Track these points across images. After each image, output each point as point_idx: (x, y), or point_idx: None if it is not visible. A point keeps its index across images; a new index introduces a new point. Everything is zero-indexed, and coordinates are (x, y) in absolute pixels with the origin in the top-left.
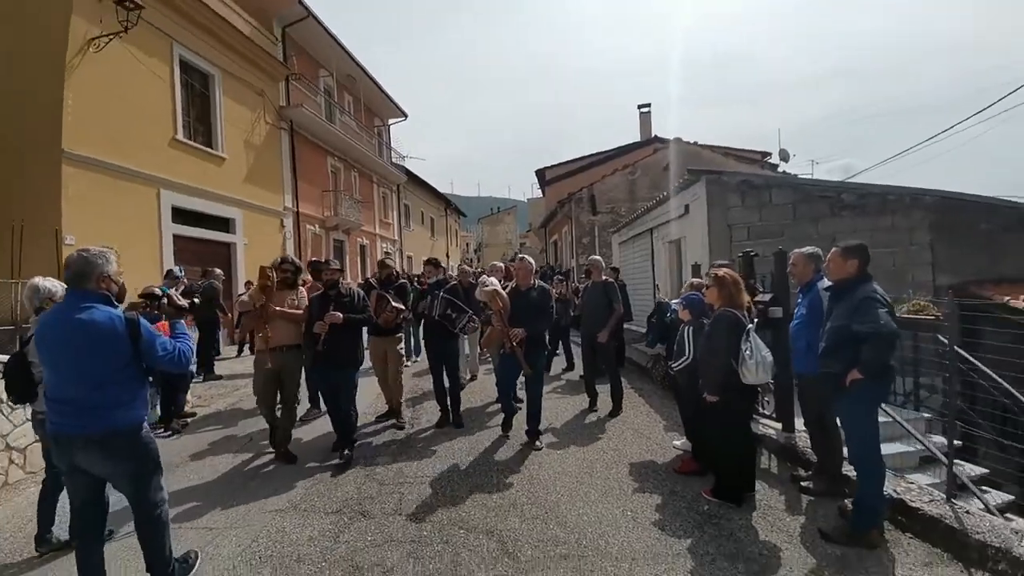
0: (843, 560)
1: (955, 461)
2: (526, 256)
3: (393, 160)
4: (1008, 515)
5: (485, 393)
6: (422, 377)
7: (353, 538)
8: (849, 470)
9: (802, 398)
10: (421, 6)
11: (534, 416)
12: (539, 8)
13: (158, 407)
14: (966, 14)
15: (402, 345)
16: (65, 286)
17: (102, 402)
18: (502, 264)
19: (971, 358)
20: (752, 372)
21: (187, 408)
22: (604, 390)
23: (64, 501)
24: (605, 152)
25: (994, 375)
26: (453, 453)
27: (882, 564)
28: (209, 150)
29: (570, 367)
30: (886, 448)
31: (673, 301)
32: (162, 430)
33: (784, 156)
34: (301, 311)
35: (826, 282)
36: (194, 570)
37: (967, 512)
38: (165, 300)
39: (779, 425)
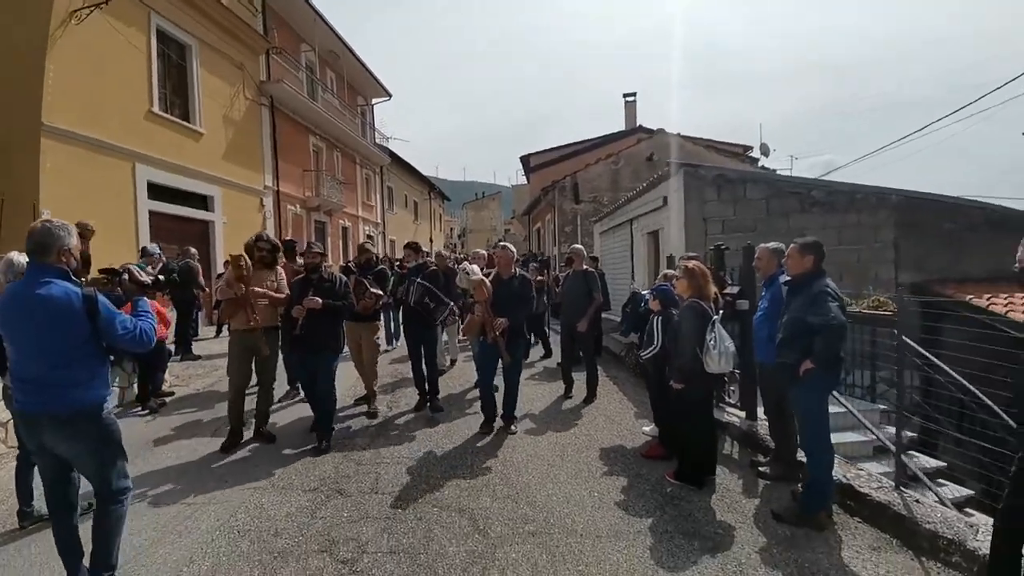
0: (792, 540)
1: (909, 453)
2: (508, 245)
3: (377, 141)
4: (968, 510)
5: (464, 379)
6: (403, 363)
7: (330, 514)
8: (803, 456)
9: (763, 387)
10: None
11: (511, 403)
12: None
13: (135, 385)
14: (953, 11)
15: (380, 332)
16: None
17: (62, 380)
18: (484, 252)
19: (926, 352)
20: (715, 361)
21: (165, 387)
22: (580, 377)
23: (39, 475)
24: (591, 140)
25: (950, 370)
26: (430, 436)
27: (829, 545)
28: (186, 124)
29: (547, 354)
30: (840, 437)
31: (644, 291)
32: (140, 408)
33: (765, 150)
34: (283, 296)
35: (786, 276)
36: None
37: (916, 501)
38: (126, 276)
39: (743, 413)
